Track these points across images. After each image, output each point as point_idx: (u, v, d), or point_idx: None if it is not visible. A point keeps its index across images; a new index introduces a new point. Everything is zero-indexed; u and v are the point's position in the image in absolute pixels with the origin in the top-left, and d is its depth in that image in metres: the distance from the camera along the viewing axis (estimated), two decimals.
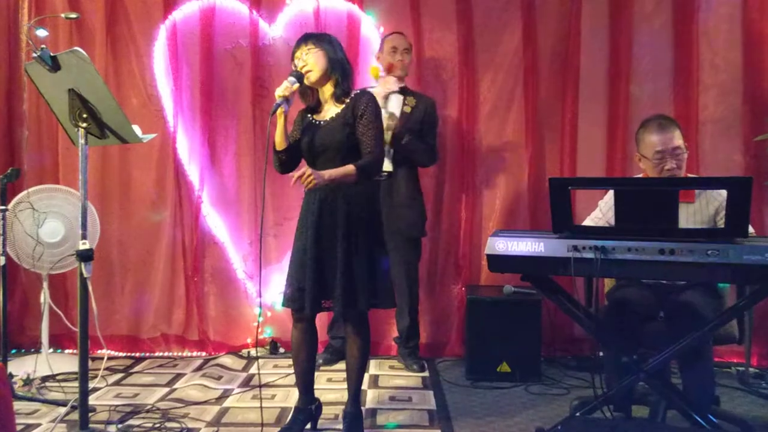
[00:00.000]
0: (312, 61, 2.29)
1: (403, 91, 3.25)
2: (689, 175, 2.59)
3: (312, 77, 2.30)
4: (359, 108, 2.29)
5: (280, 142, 2.32)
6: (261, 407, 2.54)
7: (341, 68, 2.33)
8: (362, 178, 2.26)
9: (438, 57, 3.59)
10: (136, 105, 3.56)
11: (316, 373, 3.12)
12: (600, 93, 3.52)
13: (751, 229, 2.37)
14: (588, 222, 2.62)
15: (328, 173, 2.21)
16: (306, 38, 2.35)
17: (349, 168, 2.24)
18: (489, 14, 3.55)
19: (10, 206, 3.07)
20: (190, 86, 3.59)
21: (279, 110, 2.26)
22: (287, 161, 2.38)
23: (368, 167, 2.27)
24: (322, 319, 3.37)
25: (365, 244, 2.28)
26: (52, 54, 2.15)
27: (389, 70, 3.21)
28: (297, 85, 2.27)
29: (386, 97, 3.17)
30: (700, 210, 2.40)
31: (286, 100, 2.26)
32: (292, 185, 2.21)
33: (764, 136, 3.21)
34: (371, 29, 3.56)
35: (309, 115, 2.38)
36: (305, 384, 2.42)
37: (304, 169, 2.18)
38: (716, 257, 1.88)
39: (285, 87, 2.25)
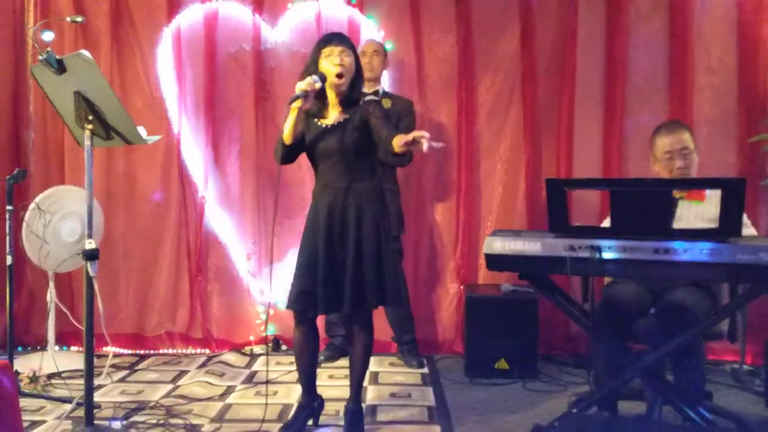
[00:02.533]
0: (348, 66, 2.30)
1: (376, 93, 3.27)
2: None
3: (342, 87, 2.32)
4: (366, 111, 2.34)
5: (288, 135, 2.32)
6: (266, 403, 2.57)
7: (359, 81, 2.38)
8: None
9: (437, 59, 3.62)
10: (141, 107, 3.59)
11: (318, 370, 3.17)
12: (596, 94, 3.54)
13: (754, 231, 2.41)
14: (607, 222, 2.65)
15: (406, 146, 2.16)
16: (342, 40, 2.35)
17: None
18: (487, 17, 3.58)
19: (31, 206, 3.11)
20: (194, 89, 3.63)
21: (295, 104, 2.25)
22: (290, 155, 2.39)
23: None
24: (320, 318, 3.42)
25: (374, 244, 2.31)
26: (57, 57, 2.18)
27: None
28: (319, 84, 2.28)
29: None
30: (709, 210, 2.43)
31: (306, 95, 2.26)
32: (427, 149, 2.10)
33: (759, 137, 3.24)
34: (372, 33, 3.59)
35: (314, 119, 2.40)
36: (308, 382, 2.46)
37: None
38: (710, 256, 1.91)
39: (308, 82, 2.25)
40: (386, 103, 3.24)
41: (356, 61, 2.36)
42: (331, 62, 2.30)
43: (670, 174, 2.49)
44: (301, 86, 2.25)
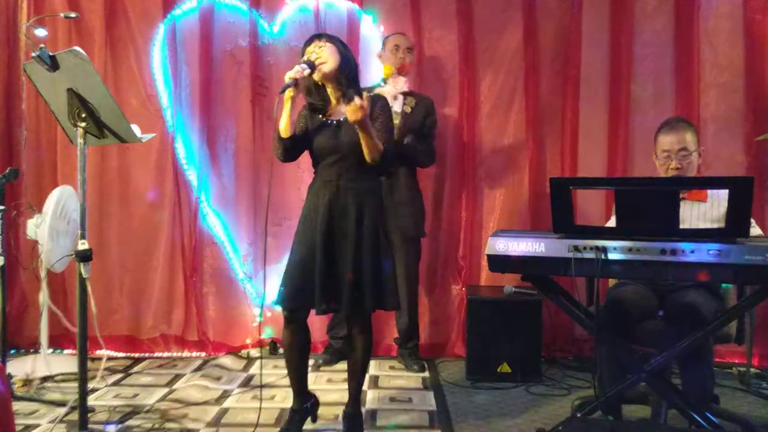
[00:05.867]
0: (326, 55, 2.27)
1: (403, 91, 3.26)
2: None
3: (325, 69, 2.27)
4: (375, 111, 2.29)
5: (285, 128, 2.28)
6: (260, 407, 2.53)
7: (351, 69, 2.33)
8: (381, 160, 2.25)
9: (438, 56, 3.58)
10: (135, 104, 3.55)
11: (317, 374, 3.16)
12: (601, 92, 3.51)
13: (759, 231, 2.37)
14: (611, 222, 2.61)
15: (367, 121, 2.18)
16: (319, 35, 2.36)
17: (379, 143, 2.23)
18: (489, 13, 3.55)
19: (48, 208, 3.04)
20: (189, 86, 3.58)
21: (287, 95, 2.22)
22: (291, 150, 2.34)
23: (389, 156, 2.27)
24: (322, 320, 3.38)
25: (373, 245, 2.27)
26: (51, 53, 2.15)
27: (401, 70, 3.24)
28: (308, 71, 2.24)
29: (394, 97, 3.18)
30: (711, 209, 2.40)
31: (296, 83, 2.22)
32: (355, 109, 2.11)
33: (766, 135, 3.20)
34: (371, 29, 3.55)
35: (320, 115, 2.36)
36: (299, 384, 2.41)
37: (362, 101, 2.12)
38: (717, 257, 1.87)
39: (296, 70, 2.22)
40: (410, 102, 3.22)
41: (342, 52, 2.30)
42: (311, 58, 2.28)
43: (665, 173, 2.47)
44: (290, 74, 2.22)
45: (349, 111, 2.14)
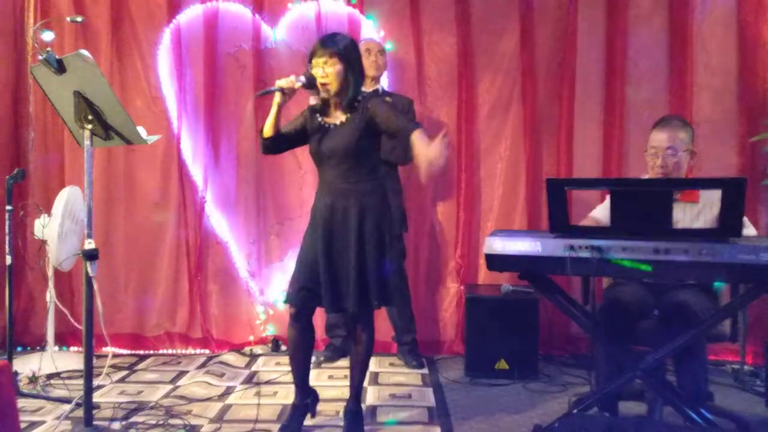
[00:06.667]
0: (332, 77, 2.27)
1: (376, 92, 3.29)
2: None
3: (331, 91, 2.30)
4: (369, 109, 2.32)
5: (268, 129, 2.33)
6: (258, 404, 2.56)
7: (355, 81, 2.33)
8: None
9: (437, 59, 3.62)
10: (141, 107, 3.59)
11: (318, 370, 3.20)
12: (596, 95, 3.55)
13: (754, 231, 2.40)
14: (596, 211, 2.64)
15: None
16: (328, 45, 2.28)
17: (424, 140, 2.18)
18: (488, 17, 3.59)
19: (58, 209, 3.09)
20: (193, 88, 3.63)
21: (276, 100, 2.27)
22: (270, 147, 2.40)
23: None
24: (323, 318, 3.43)
25: (377, 244, 2.30)
26: (57, 57, 2.18)
27: (376, 73, 3.30)
28: (299, 85, 2.28)
29: None
30: (704, 210, 2.42)
31: (282, 92, 2.26)
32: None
33: (759, 136, 3.24)
34: (372, 33, 3.59)
35: (319, 117, 2.39)
36: (301, 381, 2.45)
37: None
38: (710, 257, 1.90)
39: (289, 81, 2.26)
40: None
41: (350, 63, 2.30)
42: (316, 74, 2.29)
43: (651, 170, 2.48)
44: (280, 83, 2.27)
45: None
